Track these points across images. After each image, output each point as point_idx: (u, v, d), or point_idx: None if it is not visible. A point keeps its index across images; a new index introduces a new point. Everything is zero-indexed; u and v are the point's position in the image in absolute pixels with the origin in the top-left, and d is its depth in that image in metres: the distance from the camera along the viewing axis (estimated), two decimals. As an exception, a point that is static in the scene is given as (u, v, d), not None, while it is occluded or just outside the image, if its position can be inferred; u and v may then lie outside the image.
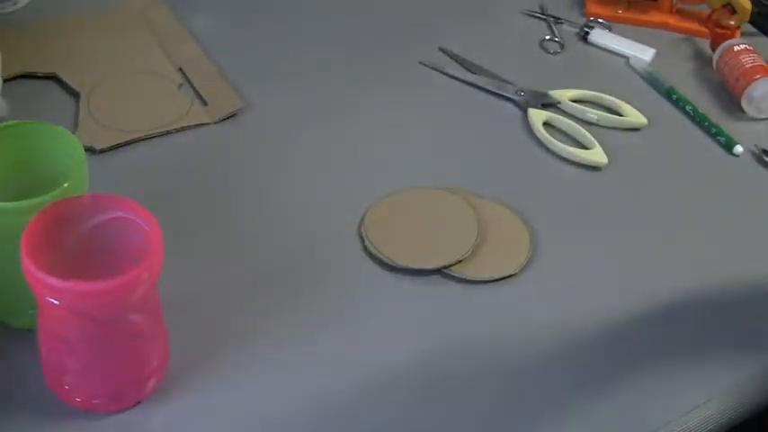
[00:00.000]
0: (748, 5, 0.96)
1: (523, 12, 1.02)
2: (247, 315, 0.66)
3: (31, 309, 0.57)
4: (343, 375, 0.63)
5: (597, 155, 0.82)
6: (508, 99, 0.88)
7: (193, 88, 0.84)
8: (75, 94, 0.82)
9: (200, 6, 0.95)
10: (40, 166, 0.61)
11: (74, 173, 0.58)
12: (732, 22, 0.96)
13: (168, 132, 0.79)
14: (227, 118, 0.81)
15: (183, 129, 0.80)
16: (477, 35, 0.96)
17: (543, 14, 1.01)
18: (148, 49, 0.88)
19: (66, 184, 0.57)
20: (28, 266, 0.51)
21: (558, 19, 1.00)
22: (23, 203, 0.55)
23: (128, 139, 0.78)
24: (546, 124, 0.85)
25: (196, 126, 0.80)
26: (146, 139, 0.78)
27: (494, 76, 0.90)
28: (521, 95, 0.88)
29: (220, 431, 0.59)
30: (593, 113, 0.87)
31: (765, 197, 0.81)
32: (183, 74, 0.85)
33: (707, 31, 0.98)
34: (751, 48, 0.91)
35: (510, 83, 0.90)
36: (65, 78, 0.83)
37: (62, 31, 0.88)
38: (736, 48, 0.91)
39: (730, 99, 0.90)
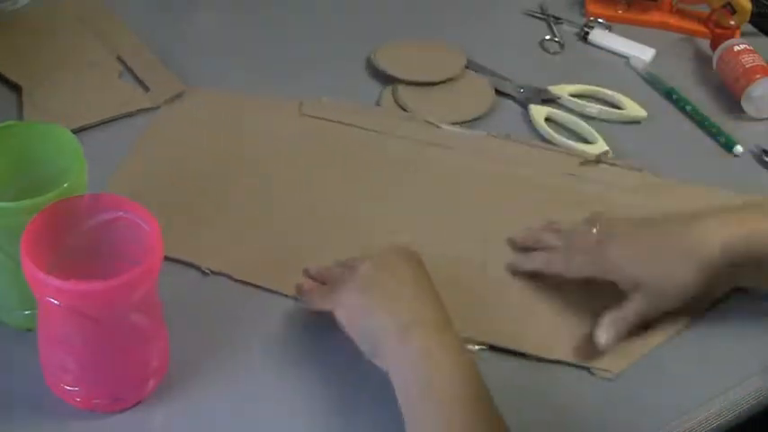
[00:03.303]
0: (748, 5, 0.96)
1: (523, 12, 1.02)
2: (247, 315, 0.66)
3: (31, 308, 0.57)
4: (349, 374, 0.63)
5: (600, 149, 0.82)
6: (508, 96, 0.88)
7: (134, 75, 0.85)
8: (17, 89, 0.82)
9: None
10: (40, 166, 0.61)
11: (74, 172, 0.58)
12: (732, 22, 0.96)
13: (113, 119, 0.80)
14: (171, 101, 0.83)
15: (128, 114, 0.81)
16: (478, 34, 0.96)
17: (543, 14, 1.01)
18: (85, 40, 0.89)
19: (66, 184, 0.57)
20: (28, 266, 0.51)
21: (559, 19, 1.01)
22: (23, 203, 0.55)
23: (74, 128, 0.77)
24: (548, 120, 0.85)
25: (141, 111, 0.81)
26: (91, 126, 0.79)
27: (493, 74, 0.90)
28: (521, 92, 0.88)
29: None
30: (593, 107, 0.87)
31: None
32: (123, 62, 0.87)
33: (707, 31, 0.98)
34: (751, 48, 0.91)
35: (509, 80, 0.90)
36: (6, 73, 0.83)
37: (10, 24, 0.89)
38: (736, 48, 0.91)
39: (730, 99, 0.90)
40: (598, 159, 0.80)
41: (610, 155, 0.81)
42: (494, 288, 0.69)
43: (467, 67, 0.90)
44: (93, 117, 0.79)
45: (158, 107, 0.82)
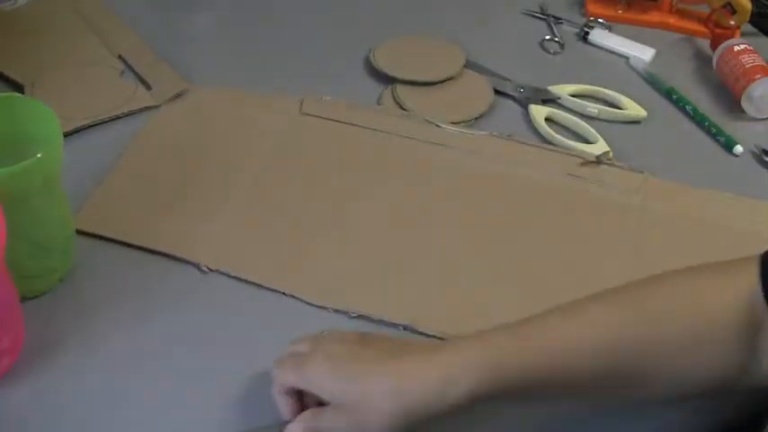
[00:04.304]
0: (748, 5, 0.96)
1: (523, 12, 1.02)
2: (244, 312, 0.66)
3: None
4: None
5: (600, 149, 0.82)
6: (508, 96, 0.88)
7: (135, 73, 0.85)
8: (19, 88, 0.82)
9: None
10: (21, 137, 0.62)
11: (48, 145, 0.59)
12: (732, 22, 0.96)
13: (117, 117, 0.80)
14: (173, 99, 0.83)
15: (130, 113, 0.81)
16: (478, 34, 0.96)
17: (543, 14, 1.01)
18: (85, 38, 0.89)
19: (39, 155, 0.57)
20: None
21: (559, 19, 1.00)
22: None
23: (77, 126, 0.78)
24: (548, 120, 0.85)
25: (143, 109, 0.81)
26: (94, 125, 0.79)
27: (493, 74, 0.90)
28: (521, 92, 0.88)
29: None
30: (593, 107, 0.87)
31: (765, 197, 0.80)
32: (124, 60, 0.87)
33: (707, 31, 0.98)
34: (751, 48, 0.91)
35: (509, 80, 0.89)
36: (6, 72, 0.83)
37: (8, 23, 0.89)
38: (736, 48, 0.91)
39: (730, 99, 0.90)
40: (598, 160, 0.80)
41: (610, 155, 0.81)
42: (491, 289, 0.69)
43: (466, 67, 0.90)
44: (96, 115, 0.80)
45: (160, 105, 0.82)
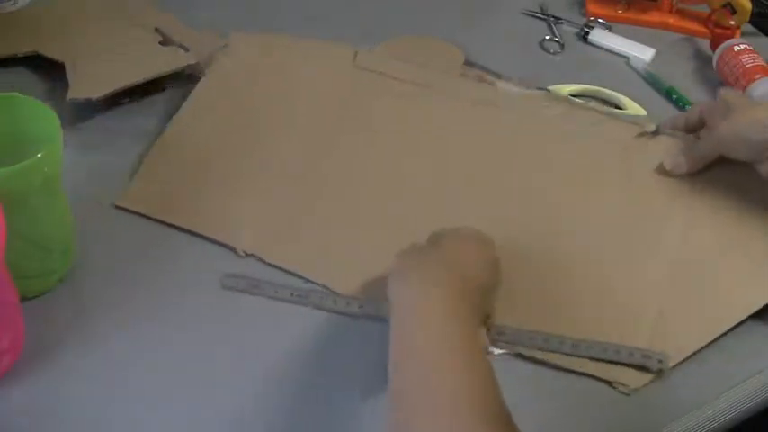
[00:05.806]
0: (748, 5, 0.96)
1: (523, 12, 1.02)
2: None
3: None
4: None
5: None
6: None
7: (173, 42, 0.87)
8: (59, 67, 0.82)
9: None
10: (21, 137, 0.63)
11: (48, 145, 0.59)
12: (732, 22, 0.96)
13: (160, 77, 0.81)
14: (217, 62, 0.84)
15: (172, 75, 0.82)
16: (477, 34, 0.96)
17: (543, 14, 1.01)
18: (123, 20, 0.89)
19: (39, 155, 0.58)
20: None
21: (559, 19, 1.01)
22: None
23: (123, 85, 0.79)
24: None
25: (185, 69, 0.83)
26: (136, 88, 0.80)
27: (493, 74, 0.90)
28: (521, 92, 0.88)
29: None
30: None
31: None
32: (161, 32, 0.88)
33: (707, 31, 0.98)
34: (751, 48, 0.91)
35: (510, 80, 0.89)
36: (47, 53, 0.84)
37: (35, 16, 0.90)
38: (736, 48, 0.91)
39: (730, 99, 0.90)
40: (656, 131, 0.80)
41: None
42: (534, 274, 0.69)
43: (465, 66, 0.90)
44: (139, 76, 0.80)
45: (202, 74, 0.83)
